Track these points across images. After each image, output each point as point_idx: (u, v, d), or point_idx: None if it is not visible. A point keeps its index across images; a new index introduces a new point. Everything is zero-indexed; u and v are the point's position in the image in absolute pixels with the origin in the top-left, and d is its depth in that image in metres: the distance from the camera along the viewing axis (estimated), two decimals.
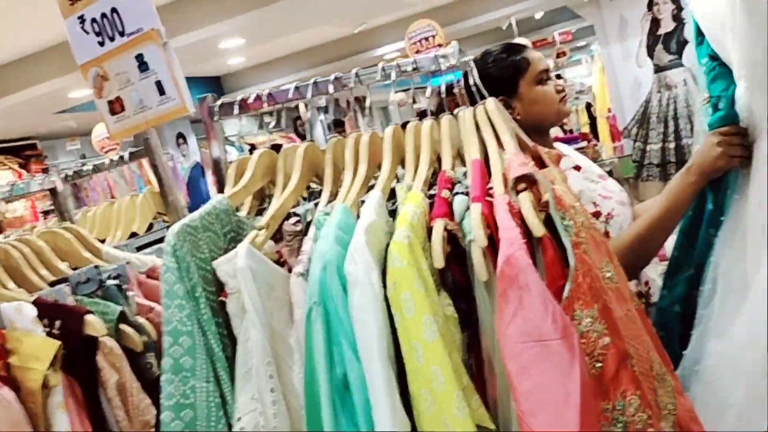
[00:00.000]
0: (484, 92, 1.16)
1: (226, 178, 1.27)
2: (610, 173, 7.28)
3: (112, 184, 2.58)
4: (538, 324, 0.88)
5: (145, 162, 2.26)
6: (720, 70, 1.43)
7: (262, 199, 1.28)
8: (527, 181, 0.97)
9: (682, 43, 7.21)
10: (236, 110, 1.29)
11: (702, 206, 1.45)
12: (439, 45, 5.05)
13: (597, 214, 1.62)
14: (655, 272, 1.76)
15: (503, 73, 1.72)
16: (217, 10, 5.09)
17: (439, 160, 1.14)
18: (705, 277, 1.41)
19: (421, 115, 1.18)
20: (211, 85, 9.25)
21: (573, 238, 0.95)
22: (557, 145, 1.85)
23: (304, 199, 1.27)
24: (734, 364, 1.30)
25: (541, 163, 1.17)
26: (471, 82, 1.19)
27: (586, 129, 8.96)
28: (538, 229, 0.91)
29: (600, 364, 0.93)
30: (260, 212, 1.25)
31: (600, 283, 0.96)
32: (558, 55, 10.73)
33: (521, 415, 0.87)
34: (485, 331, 0.99)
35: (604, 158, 7.53)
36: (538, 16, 10.52)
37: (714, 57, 1.44)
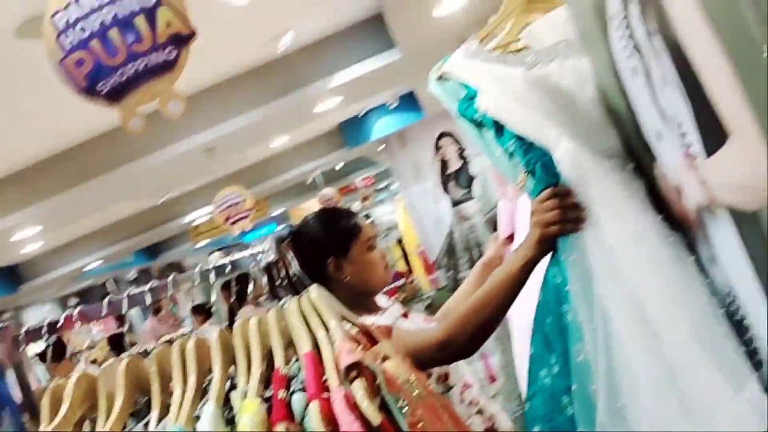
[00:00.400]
0: (305, 280, 1.20)
1: (40, 408, 1.16)
2: (430, 305, 7.62)
3: None
4: None
5: None
6: (530, 144, 1.47)
7: (81, 427, 1.19)
8: (357, 369, 1.00)
9: (471, 179, 7.95)
10: (45, 336, 1.21)
11: (548, 291, 1.45)
12: (249, 209, 5.14)
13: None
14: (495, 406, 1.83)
15: (336, 236, 1.77)
16: (8, 201, 4.85)
17: (270, 356, 1.13)
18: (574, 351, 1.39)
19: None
20: (7, 276, 8.55)
21: (409, 419, 0.97)
22: (378, 298, 1.92)
23: (131, 415, 1.20)
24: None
25: (371, 339, 1.21)
26: (291, 272, 1.22)
27: (400, 264, 9.38)
28: (375, 418, 0.93)
29: None
30: None
31: None
32: (363, 199, 11.33)
33: None
34: None
35: (423, 292, 7.90)
36: (339, 167, 11.13)
37: (519, 138, 1.49)
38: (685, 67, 1.12)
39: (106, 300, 1.38)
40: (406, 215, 8.64)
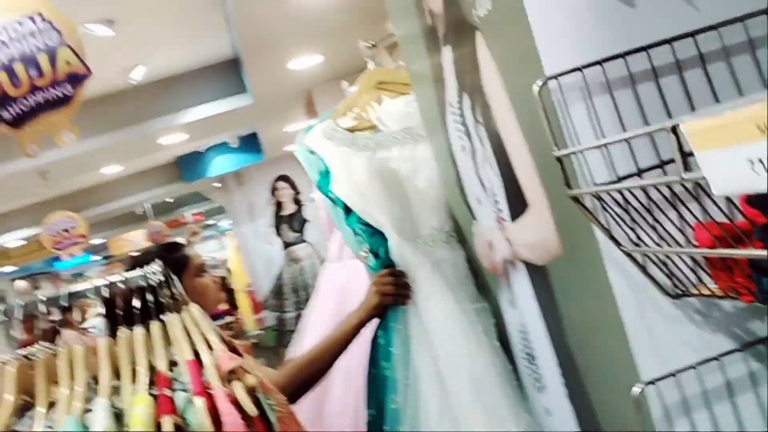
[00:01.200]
0: (187, 299, 1.39)
1: None
2: (257, 345, 7.69)
3: None
4: None
5: None
6: (374, 230, 1.87)
7: None
8: (237, 372, 1.21)
9: (303, 222, 8.22)
10: None
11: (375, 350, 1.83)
12: (82, 236, 5.02)
13: None
14: None
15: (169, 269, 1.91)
16: None
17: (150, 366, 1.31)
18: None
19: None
20: None
21: (277, 414, 1.20)
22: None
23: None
24: None
25: (238, 353, 1.42)
26: (174, 291, 1.40)
27: (224, 303, 9.36)
28: (252, 410, 1.15)
29: None
30: None
31: None
32: (192, 234, 11.18)
33: None
34: None
35: (249, 330, 7.97)
36: (171, 200, 10.95)
37: (365, 223, 1.89)
38: (501, 152, 1.48)
39: None
40: (237, 254, 8.71)
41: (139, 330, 1.32)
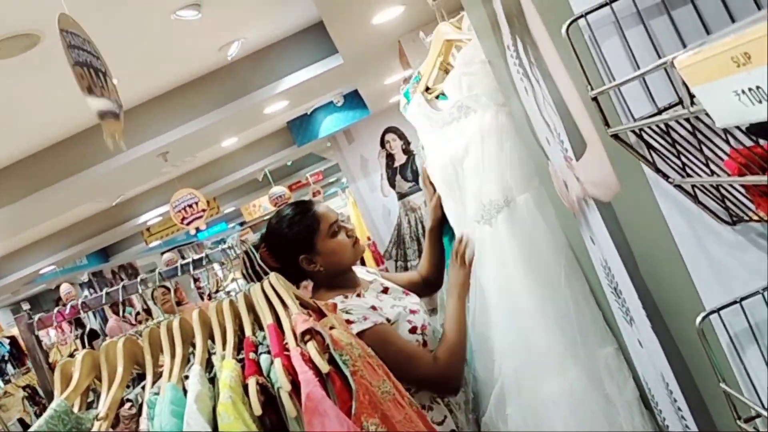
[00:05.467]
0: (267, 269, 1.50)
1: (53, 383, 1.44)
2: None
3: None
4: None
5: None
6: None
7: (88, 394, 1.46)
8: (310, 333, 1.31)
9: (416, 172, 8.27)
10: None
11: None
12: (203, 210, 5.37)
13: (414, 330, 1.92)
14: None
15: (298, 235, 1.91)
16: None
17: (241, 328, 1.43)
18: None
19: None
20: None
21: (351, 368, 1.29)
22: (361, 271, 2.15)
23: (128, 387, 1.48)
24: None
25: (320, 314, 1.52)
26: (256, 264, 1.52)
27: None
28: (324, 367, 1.24)
29: None
30: (89, 406, 1.43)
31: (377, 397, 1.31)
32: (314, 194, 11.56)
33: None
34: None
35: None
36: (289, 163, 11.33)
37: None
38: (555, 92, 1.46)
39: (69, 303, 1.61)
40: (356, 208, 8.92)
41: (226, 301, 1.44)
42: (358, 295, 1.94)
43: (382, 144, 8.35)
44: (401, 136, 8.33)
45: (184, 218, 5.40)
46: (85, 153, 4.84)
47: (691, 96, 0.75)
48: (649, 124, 0.99)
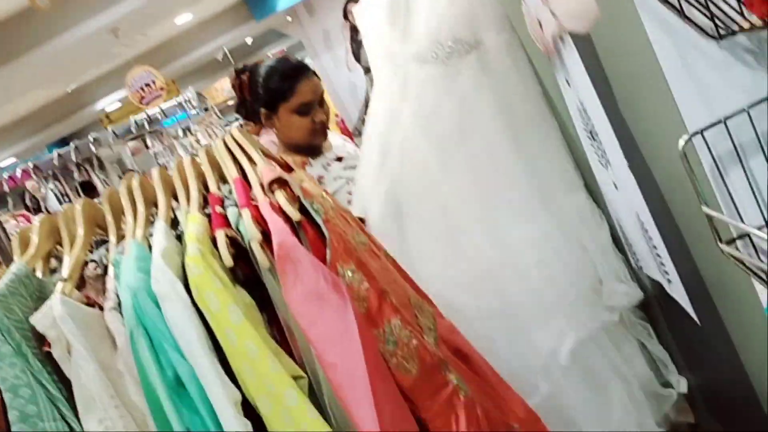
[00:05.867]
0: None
1: (12, 249, 1.37)
2: None
3: None
4: (313, 285, 1.15)
5: None
6: None
7: (49, 260, 1.41)
8: (278, 183, 1.24)
9: None
10: None
11: None
12: (162, 89, 5.16)
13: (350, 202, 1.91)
14: None
15: (267, 94, 1.94)
16: None
17: (205, 185, 1.36)
18: None
19: None
20: None
21: (324, 217, 1.24)
22: (332, 135, 2.12)
23: (90, 250, 1.42)
24: None
25: (289, 169, 1.45)
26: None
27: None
28: (295, 215, 1.19)
29: (366, 303, 1.24)
30: (52, 272, 1.38)
31: (352, 245, 1.27)
32: None
33: (319, 355, 1.14)
34: (279, 306, 1.24)
35: None
36: (249, 41, 10.90)
37: None
38: None
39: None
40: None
41: (187, 158, 1.36)
42: (304, 164, 1.91)
43: (345, 16, 8.00)
44: None
45: (142, 98, 5.19)
46: (33, 30, 4.55)
47: None
48: None
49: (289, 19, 8.33)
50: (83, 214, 1.37)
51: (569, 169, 1.88)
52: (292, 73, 1.97)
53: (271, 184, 1.24)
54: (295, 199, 1.25)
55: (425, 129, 1.83)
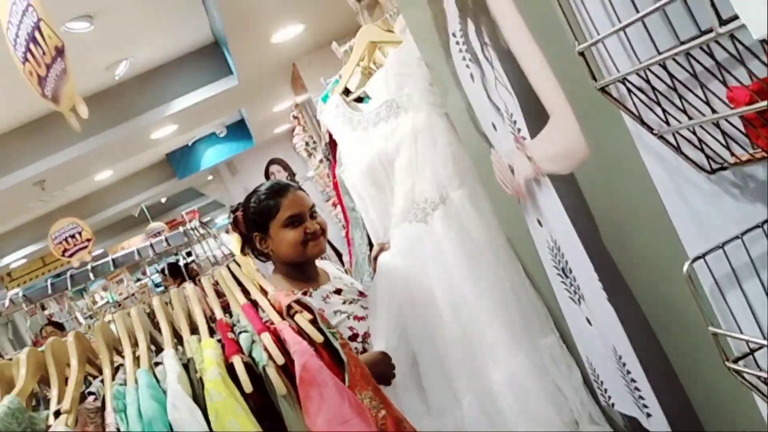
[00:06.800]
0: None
1: None
2: None
3: None
4: (338, 410, 1.12)
5: None
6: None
7: (32, 398, 1.30)
8: (297, 306, 1.24)
9: None
10: None
11: None
12: (88, 240, 5.02)
13: (354, 337, 1.89)
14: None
15: (256, 213, 1.96)
16: None
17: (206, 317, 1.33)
18: None
19: None
20: None
21: (340, 341, 1.23)
22: (325, 264, 2.14)
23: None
24: None
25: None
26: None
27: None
28: (318, 337, 1.18)
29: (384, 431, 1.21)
30: (35, 408, 1.27)
31: (367, 371, 1.26)
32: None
33: None
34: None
35: None
36: (164, 200, 10.90)
37: None
38: (513, 68, 1.50)
39: None
40: (238, 244, 8.68)
41: (190, 287, 1.34)
42: (305, 293, 1.90)
43: (267, 176, 8.23)
44: (286, 167, 8.26)
45: (65, 250, 5.01)
46: None
47: (720, 18, 0.80)
48: (648, 65, 1.03)
49: (210, 177, 8.46)
50: (76, 347, 1.29)
51: (540, 310, 1.96)
52: (277, 189, 2.01)
53: (289, 307, 1.23)
54: (312, 323, 1.24)
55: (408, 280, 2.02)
